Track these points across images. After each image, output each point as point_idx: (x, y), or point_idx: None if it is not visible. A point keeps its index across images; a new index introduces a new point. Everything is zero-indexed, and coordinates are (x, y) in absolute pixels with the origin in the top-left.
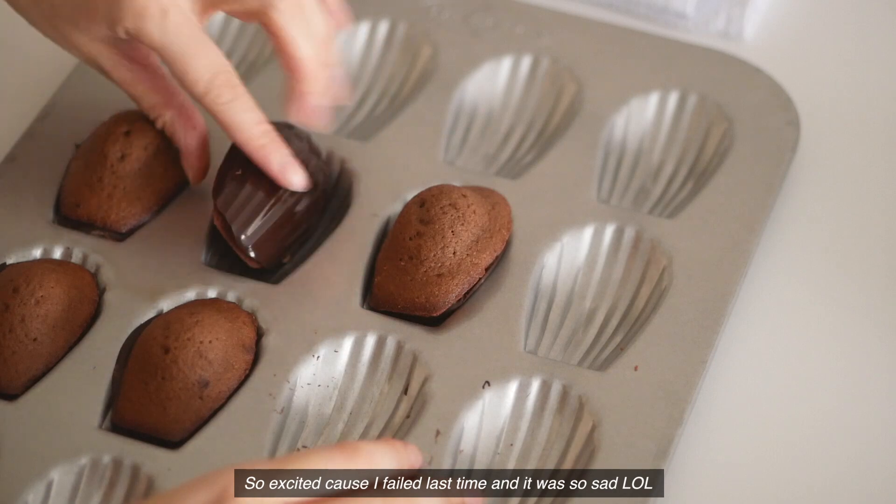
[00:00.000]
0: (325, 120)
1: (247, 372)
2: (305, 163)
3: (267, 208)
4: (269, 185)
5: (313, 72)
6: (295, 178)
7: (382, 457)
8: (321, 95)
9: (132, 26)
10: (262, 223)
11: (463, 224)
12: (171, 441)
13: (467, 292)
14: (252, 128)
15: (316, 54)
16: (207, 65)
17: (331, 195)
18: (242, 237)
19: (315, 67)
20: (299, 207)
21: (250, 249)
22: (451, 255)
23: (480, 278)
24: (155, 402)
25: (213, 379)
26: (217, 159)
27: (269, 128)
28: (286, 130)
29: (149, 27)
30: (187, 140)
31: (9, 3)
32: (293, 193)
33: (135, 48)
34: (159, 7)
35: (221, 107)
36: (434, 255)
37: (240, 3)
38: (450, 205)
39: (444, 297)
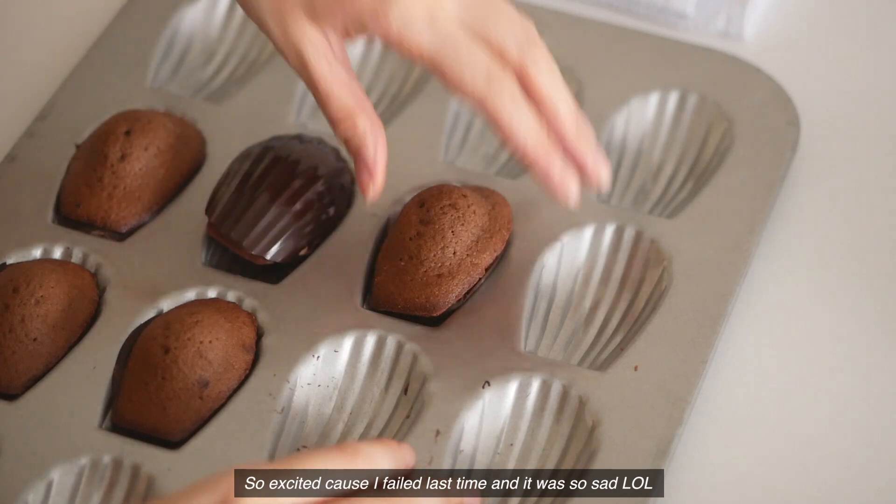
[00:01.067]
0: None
1: (247, 372)
2: (330, 166)
3: (268, 213)
4: (264, 188)
5: (574, 124)
6: (570, 189)
7: (381, 457)
8: (588, 152)
9: (398, 29)
10: (265, 228)
11: (463, 224)
12: (171, 441)
13: (467, 292)
14: (532, 130)
15: (540, 133)
16: (484, 65)
17: (345, 188)
18: (254, 251)
19: (576, 120)
20: (298, 205)
21: (266, 254)
22: (451, 255)
23: (480, 278)
24: (155, 401)
25: (213, 379)
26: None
27: (543, 128)
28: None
29: (419, 32)
30: (378, 153)
31: None
32: (289, 193)
33: (344, 50)
34: (428, 12)
35: (503, 105)
36: (434, 255)
37: (501, 42)
38: (450, 205)
39: (444, 297)
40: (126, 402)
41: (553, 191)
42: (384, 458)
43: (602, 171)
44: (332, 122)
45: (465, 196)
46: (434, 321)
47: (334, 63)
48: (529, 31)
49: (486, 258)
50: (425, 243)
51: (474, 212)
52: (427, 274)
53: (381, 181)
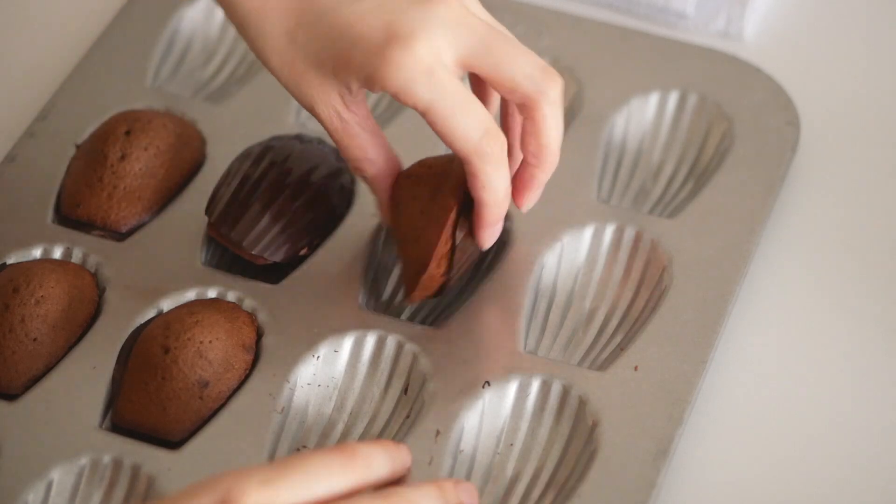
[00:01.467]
0: (492, 242)
1: (247, 372)
2: (330, 166)
3: (268, 213)
4: (264, 188)
5: (553, 164)
6: (489, 243)
7: (379, 458)
8: (542, 184)
9: (396, 86)
10: (265, 228)
11: None
12: (171, 441)
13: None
14: (502, 191)
15: (505, 198)
16: (477, 124)
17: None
18: (254, 251)
19: (554, 161)
20: (298, 205)
21: (266, 253)
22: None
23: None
24: (155, 402)
25: (213, 379)
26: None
27: (510, 191)
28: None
29: (415, 88)
30: (386, 195)
31: (246, 31)
32: (289, 192)
33: (357, 103)
34: (425, 67)
35: (487, 167)
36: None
37: (510, 80)
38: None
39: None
40: (126, 402)
41: (479, 239)
42: (382, 459)
43: (529, 203)
44: (349, 164)
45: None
46: (434, 321)
47: (347, 119)
48: (541, 65)
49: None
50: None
51: None
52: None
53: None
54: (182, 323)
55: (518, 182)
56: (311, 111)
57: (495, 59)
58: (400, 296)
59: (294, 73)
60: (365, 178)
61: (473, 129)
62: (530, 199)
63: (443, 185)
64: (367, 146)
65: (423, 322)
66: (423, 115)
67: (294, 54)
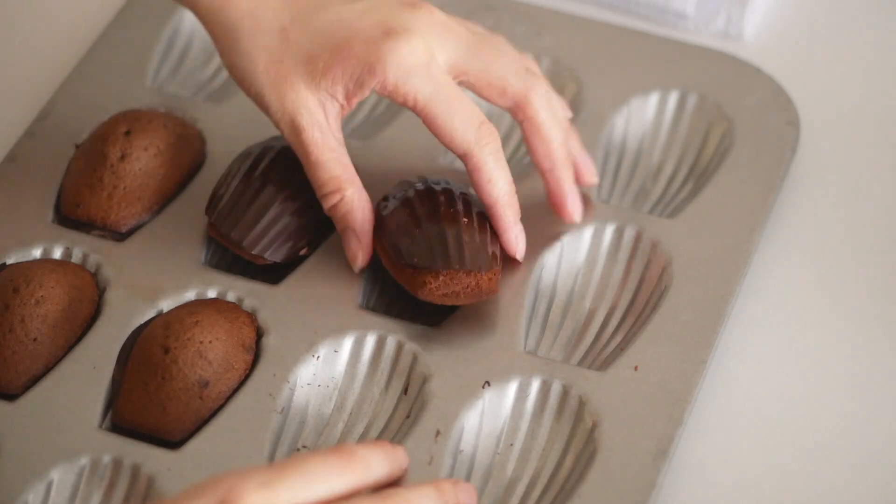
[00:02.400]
0: (581, 209)
1: (247, 372)
2: None
3: (268, 213)
4: (263, 188)
5: (563, 157)
6: (521, 248)
7: (377, 460)
8: (571, 182)
9: (397, 77)
10: (265, 228)
11: None
12: (171, 441)
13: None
14: (505, 184)
15: (563, 139)
16: (472, 115)
17: None
18: (254, 251)
19: (565, 152)
20: (298, 205)
21: (266, 253)
22: None
23: None
24: (155, 402)
25: (213, 379)
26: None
27: (514, 190)
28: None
29: (416, 80)
30: (365, 220)
31: (237, 35)
32: (288, 192)
33: (335, 117)
34: (424, 61)
35: (487, 157)
36: None
37: (501, 81)
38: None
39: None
40: (126, 402)
41: (505, 242)
42: (380, 461)
43: (576, 210)
44: (319, 190)
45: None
46: (434, 321)
47: (327, 133)
48: (528, 64)
49: None
50: None
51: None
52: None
53: (369, 250)
54: (182, 323)
55: (553, 196)
56: (293, 125)
57: (484, 62)
58: (398, 294)
59: (280, 77)
60: (343, 202)
61: (470, 122)
62: (573, 205)
63: None
64: (345, 164)
65: (423, 322)
66: (422, 109)
67: (284, 52)
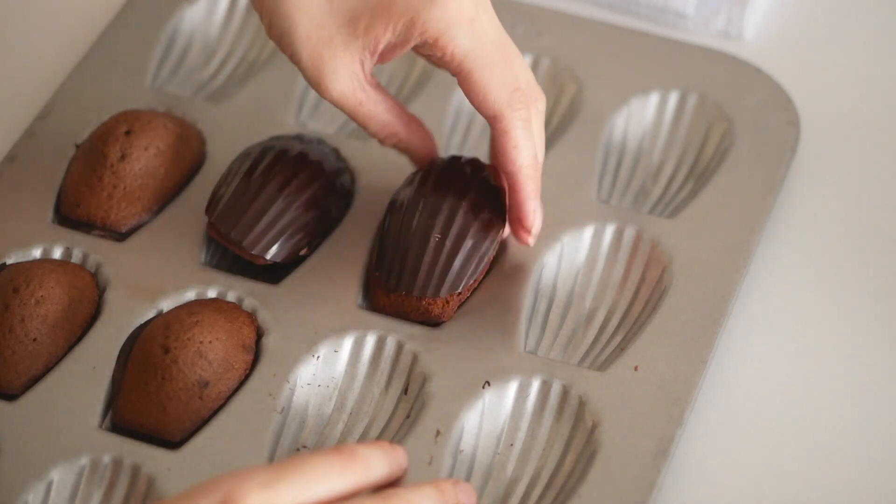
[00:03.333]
0: (538, 226)
1: (247, 372)
2: (330, 166)
3: (268, 213)
4: (263, 188)
5: (531, 184)
6: (538, 223)
7: (377, 460)
8: (535, 200)
9: (438, 30)
10: (265, 228)
11: None
12: (171, 441)
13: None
14: (530, 154)
15: (536, 167)
16: (513, 77)
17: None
18: (254, 251)
19: (532, 183)
20: (298, 205)
21: (266, 254)
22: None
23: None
24: (155, 401)
25: (213, 379)
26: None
27: (540, 160)
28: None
29: (457, 33)
30: (425, 148)
31: (280, 9)
32: (288, 193)
33: (374, 78)
34: (469, 15)
35: (518, 121)
36: None
37: (484, 94)
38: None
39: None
40: (126, 402)
41: (523, 214)
42: (380, 461)
43: (536, 225)
44: (378, 140)
45: None
46: (434, 322)
47: (368, 90)
48: (532, 94)
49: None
50: None
51: None
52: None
53: (431, 147)
54: (182, 323)
55: (514, 205)
56: (329, 87)
57: (496, 64)
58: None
59: (322, 41)
60: (400, 142)
61: (508, 83)
62: (529, 226)
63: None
64: (391, 117)
65: (422, 322)
66: (458, 65)
67: (326, 16)
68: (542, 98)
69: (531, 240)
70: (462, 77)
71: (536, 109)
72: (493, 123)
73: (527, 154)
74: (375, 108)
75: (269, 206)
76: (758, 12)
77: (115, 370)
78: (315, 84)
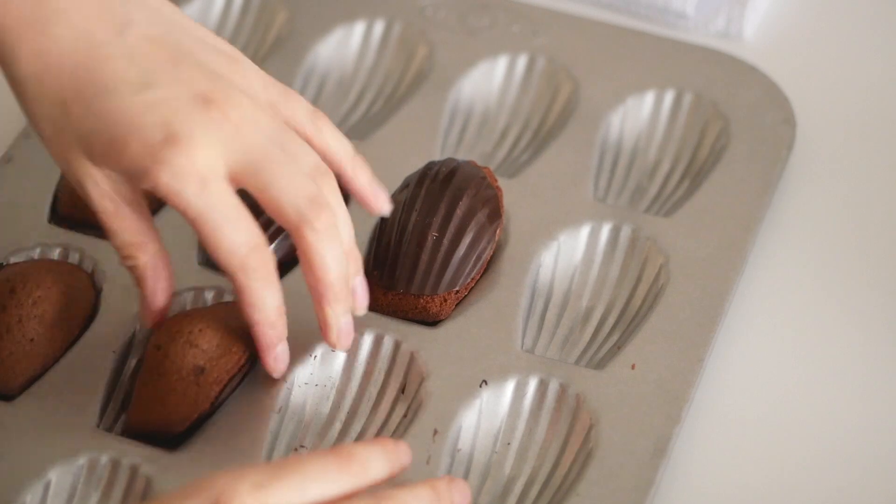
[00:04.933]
0: (349, 341)
1: (247, 356)
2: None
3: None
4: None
5: (340, 292)
6: (281, 368)
7: (376, 462)
8: (343, 314)
9: (168, 190)
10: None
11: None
12: (177, 433)
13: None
14: (272, 310)
15: (342, 272)
16: (245, 239)
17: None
18: None
19: (341, 287)
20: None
21: None
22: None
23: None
24: (155, 398)
25: (208, 364)
26: None
27: (283, 311)
28: None
29: (187, 195)
30: (158, 288)
31: (23, 93)
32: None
33: (132, 189)
34: (200, 176)
35: (253, 283)
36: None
37: (276, 206)
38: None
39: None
40: (133, 408)
41: (264, 362)
42: (380, 463)
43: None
44: (119, 254)
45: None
46: (431, 320)
47: (118, 201)
48: (310, 194)
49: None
50: None
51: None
52: None
53: (157, 312)
54: (173, 319)
55: (320, 324)
56: (81, 190)
57: (264, 181)
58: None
59: (63, 146)
60: (136, 268)
61: (241, 244)
62: (337, 338)
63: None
64: (140, 230)
65: (420, 321)
66: (192, 223)
67: (66, 124)
68: (323, 213)
69: (275, 376)
70: (197, 232)
71: (312, 231)
72: (231, 280)
73: (267, 308)
74: (122, 223)
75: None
76: (758, 12)
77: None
78: (72, 184)
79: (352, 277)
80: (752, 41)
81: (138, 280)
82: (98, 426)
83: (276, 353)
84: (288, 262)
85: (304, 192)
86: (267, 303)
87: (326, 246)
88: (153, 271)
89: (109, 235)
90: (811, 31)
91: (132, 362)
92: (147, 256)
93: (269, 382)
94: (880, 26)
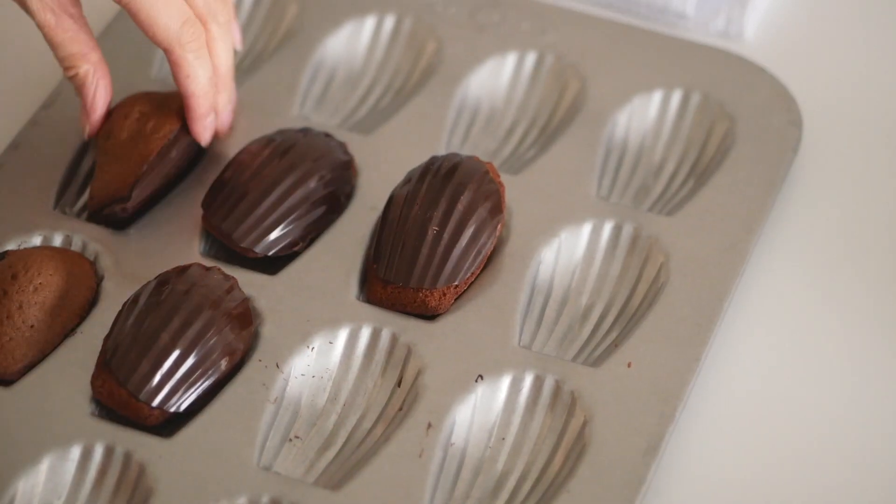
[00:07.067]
0: (209, 136)
1: (247, 349)
2: (334, 160)
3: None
4: (259, 181)
5: (204, 103)
6: (207, 137)
7: None
8: (207, 118)
9: None
10: (257, 220)
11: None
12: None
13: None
14: (205, 80)
15: (209, 87)
16: (178, 13)
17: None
18: (243, 243)
19: (205, 102)
20: (294, 199)
21: (255, 247)
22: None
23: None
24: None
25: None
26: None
27: (214, 83)
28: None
29: None
30: (97, 95)
31: None
32: (286, 186)
33: (72, 1)
34: None
35: (188, 54)
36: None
37: (150, 24)
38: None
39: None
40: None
41: (194, 131)
42: None
43: (207, 130)
44: (60, 65)
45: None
46: (429, 314)
47: (59, 13)
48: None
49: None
50: None
51: None
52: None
53: (97, 120)
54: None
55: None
56: (23, 5)
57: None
58: None
59: None
60: (77, 77)
61: (174, 18)
62: (204, 142)
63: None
64: (82, 41)
65: (418, 315)
66: (126, 6)
67: None
68: (223, 9)
69: (203, 144)
70: (132, 16)
71: (216, 24)
72: (167, 56)
73: (200, 80)
74: (64, 35)
75: (262, 199)
76: (758, 12)
77: None
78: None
79: (219, 94)
80: (753, 41)
81: (78, 89)
82: (93, 414)
83: (206, 123)
84: (281, 255)
85: (178, 15)
86: (199, 73)
87: (195, 63)
88: (94, 78)
89: (52, 48)
90: (811, 32)
91: None
92: (89, 65)
93: (266, 373)
94: (881, 27)
